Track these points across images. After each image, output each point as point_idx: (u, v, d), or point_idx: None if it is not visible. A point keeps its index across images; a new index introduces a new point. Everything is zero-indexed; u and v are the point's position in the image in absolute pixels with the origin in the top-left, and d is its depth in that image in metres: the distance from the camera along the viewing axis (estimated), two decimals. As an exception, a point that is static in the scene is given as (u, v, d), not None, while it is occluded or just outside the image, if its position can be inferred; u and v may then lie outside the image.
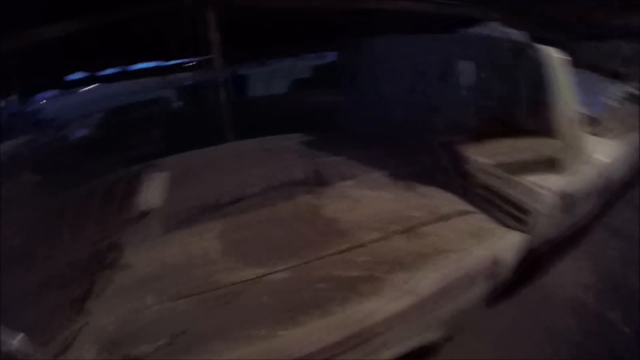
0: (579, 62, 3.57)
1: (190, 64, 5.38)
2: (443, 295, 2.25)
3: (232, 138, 4.43)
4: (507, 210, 2.73)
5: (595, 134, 3.44)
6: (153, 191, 2.81)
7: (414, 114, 4.15)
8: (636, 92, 4.46)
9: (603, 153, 3.22)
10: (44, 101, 8.36)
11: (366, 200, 2.77)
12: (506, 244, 2.53)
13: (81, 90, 8.57)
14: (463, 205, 2.88)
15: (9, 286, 2.19)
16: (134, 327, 1.97)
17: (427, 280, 2.22)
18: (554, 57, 3.22)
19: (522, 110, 3.42)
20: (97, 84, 7.74)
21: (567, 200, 2.75)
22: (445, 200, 2.91)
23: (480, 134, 3.30)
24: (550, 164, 2.92)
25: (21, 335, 1.95)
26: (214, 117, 4.83)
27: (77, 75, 7.87)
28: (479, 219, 2.76)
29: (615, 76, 4.82)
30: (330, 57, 6.86)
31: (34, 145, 3.38)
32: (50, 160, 3.17)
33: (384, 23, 5.28)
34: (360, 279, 2.15)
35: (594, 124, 3.53)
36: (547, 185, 2.70)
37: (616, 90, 4.43)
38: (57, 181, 2.99)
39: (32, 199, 2.79)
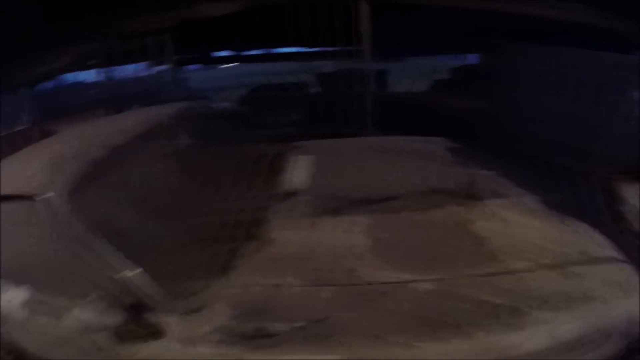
0: None
1: (335, 52, 5.39)
2: (579, 345, 2.00)
3: (371, 131, 4.40)
4: (656, 268, 2.42)
5: None
6: (299, 173, 2.84)
7: (570, 136, 3.81)
8: None
9: None
10: (188, 74, 9.04)
11: (517, 224, 2.59)
12: (647, 305, 2.23)
13: (221, 66, 9.12)
14: (613, 252, 2.57)
15: (157, 236, 2.34)
16: (272, 302, 1.98)
17: (568, 325, 2.01)
18: None
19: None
20: (237, 63, 8.15)
21: None
22: (595, 242, 2.63)
23: (644, 176, 2.96)
24: None
25: (139, 270, 2.08)
26: (353, 108, 4.82)
27: (223, 53, 8.41)
28: (627, 271, 2.43)
29: None
30: (472, 59, 6.56)
31: (187, 111, 3.56)
32: (201, 126, 3.31)
33: (542, 31, 4.91)
34: (504, 308, 2.01)
35: None
36: None
37: None
38: (208, 146, 3.11)
39: (187, 159, 2.93)
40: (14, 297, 2.58)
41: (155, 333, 1.96)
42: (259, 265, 2.16)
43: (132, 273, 2.07)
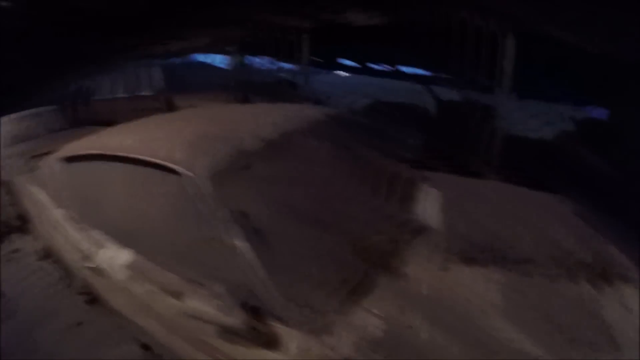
0: None
1: (469, 82, 5.18)
2: None
3: (494, 173, 4.18)
4: None
5: None
6: (431, 207, 2.62)
7: None
8: None
9: None
10: (315, 75, 9.16)
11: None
12: None
13: (336, 72, 9.19)
14: None
15: (293, 242, 2.20)
16: (401, 343, 1.83)
17: None
18: None
19: None
20: (365, 75, 8.18)
21: None
22: None
23: None
24: None
25: (269, 274, 1.95)
26: (478, 143, 4.62)
27: (347, 61, 8.47)
28: None
29: None
30: (612, 112, 6.01)
31: (329, 113, 3.37)
32: (338, 131, 3.16)
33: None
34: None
35: None
36: None
37: None
38: (346, 153, 2.97)
39: (329, 164, 2.80)
40: (117, 256, 2.64)
41: (270, 343, 1.89)
42: (392, 300, 2.00)
43: (261, 275, 1.99)
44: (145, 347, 2.62)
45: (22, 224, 5.12)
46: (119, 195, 2.91)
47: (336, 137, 3.01)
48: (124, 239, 2.70)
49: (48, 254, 3.94)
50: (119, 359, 2.70)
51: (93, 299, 3.13)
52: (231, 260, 2.07)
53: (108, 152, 2.96)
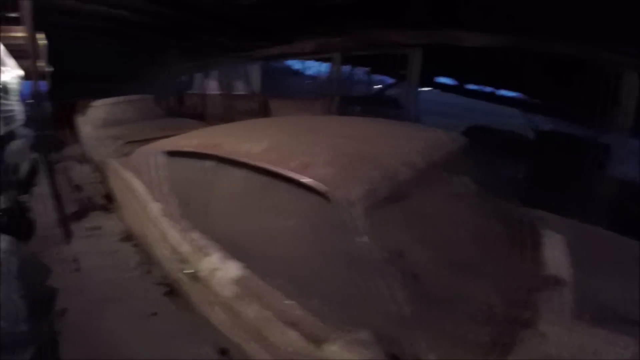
0: None
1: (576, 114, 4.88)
2: None
3: (599, 219, 3.93)
4: None
5: None
6: (559, 256, 2.38)
7: None
8: None
9: None
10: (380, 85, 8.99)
11: None
12: None
13: (430, 89, 9.02)
14: None
15: (444, 292, 2.01)
16: None
17: None
18: None
19: None
20: (462, 95, 7.99)
21: None
22: None
23: None
24: None
25: (419, 323, 1.81)
26: (580, 182, 4.37)
27: (444, 80, 8.29)
28: None
29: None
30: None
31: (456, 142, 3.00)
32: (467, 163, 2.84)
33: None
34: None
35: None
36: None
37: None
38: (482, 191, 2.67)
39: (470, 204, 2.56)
40: (225, 269, 2.41)
41: None
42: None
43: (411, 326, 1.82)
44: (223, 351, 2.57)
45: (107, 203, 5.44)
46: (236, 203, 2.68)
47: (469, 171, 2.72)
48: (235, 251, 2.47)
49: (130, 237, 4.09)
50: (193, 357, 2.64)
51: (172, 291, 3.12)
52: (381, 305, 1.87)
53: (227, 156, 2.73)
